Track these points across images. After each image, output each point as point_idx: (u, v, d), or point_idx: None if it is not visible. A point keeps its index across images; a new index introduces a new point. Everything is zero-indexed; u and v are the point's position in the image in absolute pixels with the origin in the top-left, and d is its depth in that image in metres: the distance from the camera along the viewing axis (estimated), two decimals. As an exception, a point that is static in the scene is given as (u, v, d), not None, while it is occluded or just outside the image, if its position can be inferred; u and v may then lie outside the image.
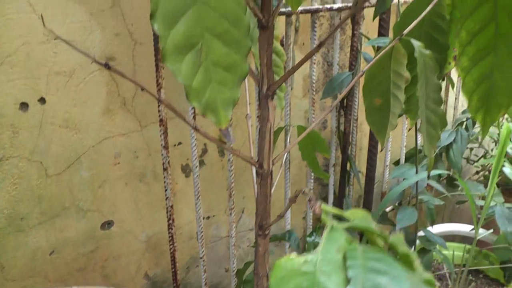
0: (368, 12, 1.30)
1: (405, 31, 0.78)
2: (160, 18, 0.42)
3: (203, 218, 1.18)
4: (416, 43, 0.78)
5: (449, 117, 1.80)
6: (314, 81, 1.16)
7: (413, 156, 1.56)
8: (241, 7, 0.47)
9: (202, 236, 1.05)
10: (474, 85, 0.55)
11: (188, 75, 0.43)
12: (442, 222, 2.03)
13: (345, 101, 1.26)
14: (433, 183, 1.32)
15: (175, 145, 1.06)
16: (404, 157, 1.55)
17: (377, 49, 1.20)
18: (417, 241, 1.36)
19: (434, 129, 0.81)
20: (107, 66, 0.54)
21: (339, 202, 1.36)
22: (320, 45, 0.62)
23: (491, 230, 1.53)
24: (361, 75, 0.79)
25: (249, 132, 0.82)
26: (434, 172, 1.30)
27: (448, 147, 1.63)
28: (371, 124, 0.86)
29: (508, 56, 0.51)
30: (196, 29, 0.44)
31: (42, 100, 0.87)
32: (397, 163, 1.58)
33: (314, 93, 1.16)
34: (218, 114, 0.44)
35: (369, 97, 0.85)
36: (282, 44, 1.04)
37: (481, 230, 1.56)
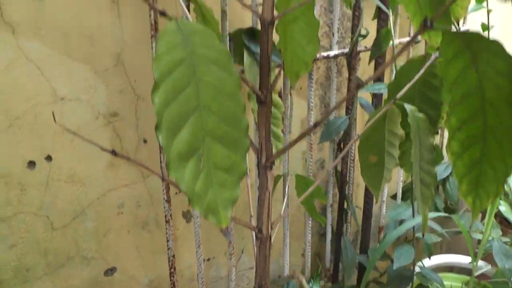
0: (364, 55, 1.33)
1: (399, 95, 0.81)
2: (165, 128, 0.45)
3: (204, 261, 1.21)
4: (409, 108, 0.81)
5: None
6: (311, 125, 1.19)
7: (410, 190, 1.59)
8: (240, 108, 0.50)
9: (202, 281, 1.07)
10: (465, 169, 0.58)
11: (190, 182, 0.46)
12: (441, 251, 2.05)
13: (342, 143, 1.29)
14: (430, 222, 1.35)
15: (176, 193, 1.09)
16: (401, 191, 1.58)
17: (373, 95, 1.23)
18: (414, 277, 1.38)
19: (428, 189, 0.84)
20: (113, 153, 0.57)
21: (337, 239, 1.38)
22: (316, 125, 0.65)
23: (489, 266, 1.55)
24: (356, 139, 0.82)
25: (248, 195, 0.85)
26: (431, 215, 1.32)
27: (444, 180, 1.65)
28: (366, 180, 0.89)
29: (496, 146, 0.54)
30: (198, 135, 0.47)
31: (48, 158, 0.90)
32: (394, 196, 1.60)
33: (311, 137, 1.20)
34: (219, 215, 0.47)
35: (364, 154, 0.88)
36: (280, 95, 1.07)
37: (480, 263, 1.58)
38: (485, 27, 1.55)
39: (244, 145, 0.50)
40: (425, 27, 0.53)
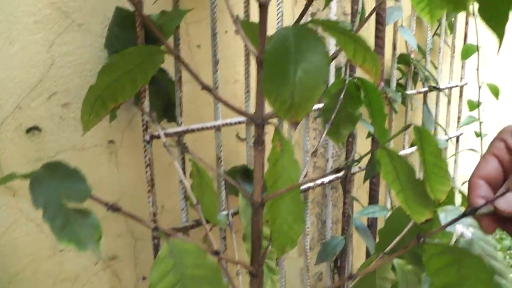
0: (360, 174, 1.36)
1: (387, 249, 0.84)
2: None
3: None
4: (397, 262, 0.83)
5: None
6: (307, 249, 1.21)
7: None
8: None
9: None
10: None
11: None
12: None
13: (338, 261, 1.31)
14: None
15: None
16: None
17: (368, 219, 1.26)
18: None
19: None
20: None
21: None
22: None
23: None
24: (349, 295, 0.83)
25: None
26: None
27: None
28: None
29: None
30: None
31: (47, 309, 0.92)
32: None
33: (308, 258, 1.21)
34: None
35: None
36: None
37: None
38: (478, 134, 1.60)
39: None
40: (418, 240, 0.56)
